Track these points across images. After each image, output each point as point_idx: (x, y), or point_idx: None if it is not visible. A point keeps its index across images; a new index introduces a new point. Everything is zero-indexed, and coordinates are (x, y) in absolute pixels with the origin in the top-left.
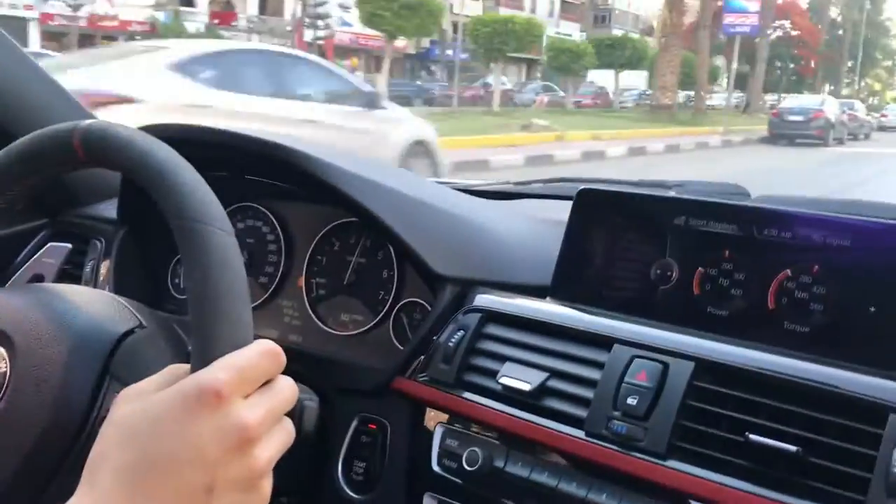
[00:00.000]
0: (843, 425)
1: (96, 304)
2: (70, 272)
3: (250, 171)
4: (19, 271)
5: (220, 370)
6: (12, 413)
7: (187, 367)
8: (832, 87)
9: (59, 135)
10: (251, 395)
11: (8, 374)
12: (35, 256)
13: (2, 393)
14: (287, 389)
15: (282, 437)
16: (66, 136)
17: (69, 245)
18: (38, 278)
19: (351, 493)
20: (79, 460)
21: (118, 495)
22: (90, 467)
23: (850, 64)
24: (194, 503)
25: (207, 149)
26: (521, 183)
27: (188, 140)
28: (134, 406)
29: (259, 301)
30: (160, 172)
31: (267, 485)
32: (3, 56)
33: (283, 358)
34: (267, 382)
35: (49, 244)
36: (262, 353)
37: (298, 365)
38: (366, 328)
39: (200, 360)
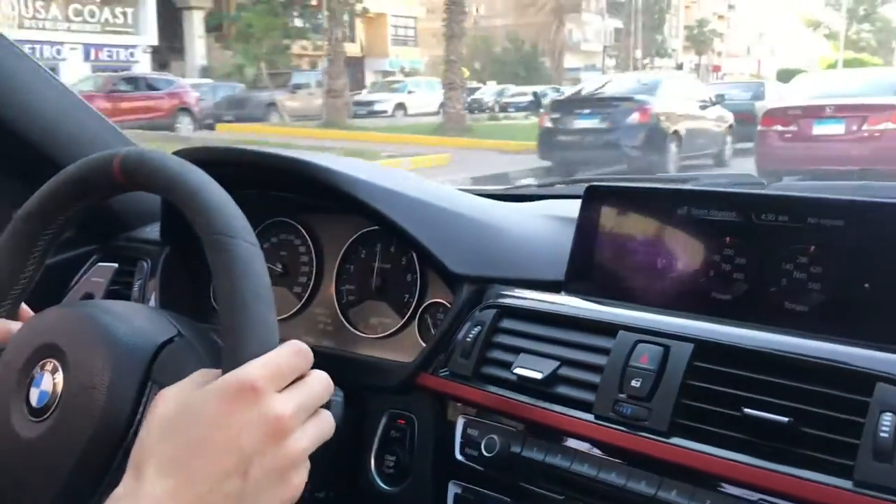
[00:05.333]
0: (832, 395)
1: (138, 316)
2: (118, 291)
3: (277, 186)
4: (71, 290)
5: (256, 367)
6: (65, 419)
7: (218, 370)
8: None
9: (101, 162)
10: (285, 389)
11: (61, 385)
12: (84, 276)
13: (57, 402)
14: (318, 384)
15: (317, 428)
16: (107, 163)
17: (115, 265)
18: (89, 296)
19: (384, 486)
20: (125, 460)
21: (164, 486)
22: (135, 461)
23: None
24: (230, 487)
25: (236, 168)
26: (543, 185)
27: (217, 161)
28: (174, 404)
29: (294, 309)
30: (191, 192)
31: (299, 476)
32: (49, 91)
33: (311, 356)
34: (301, 378)
35: (97, 264)
36: (293, 351)
37: (331, 368)
38: (393, 330)
39: (231, 359)
